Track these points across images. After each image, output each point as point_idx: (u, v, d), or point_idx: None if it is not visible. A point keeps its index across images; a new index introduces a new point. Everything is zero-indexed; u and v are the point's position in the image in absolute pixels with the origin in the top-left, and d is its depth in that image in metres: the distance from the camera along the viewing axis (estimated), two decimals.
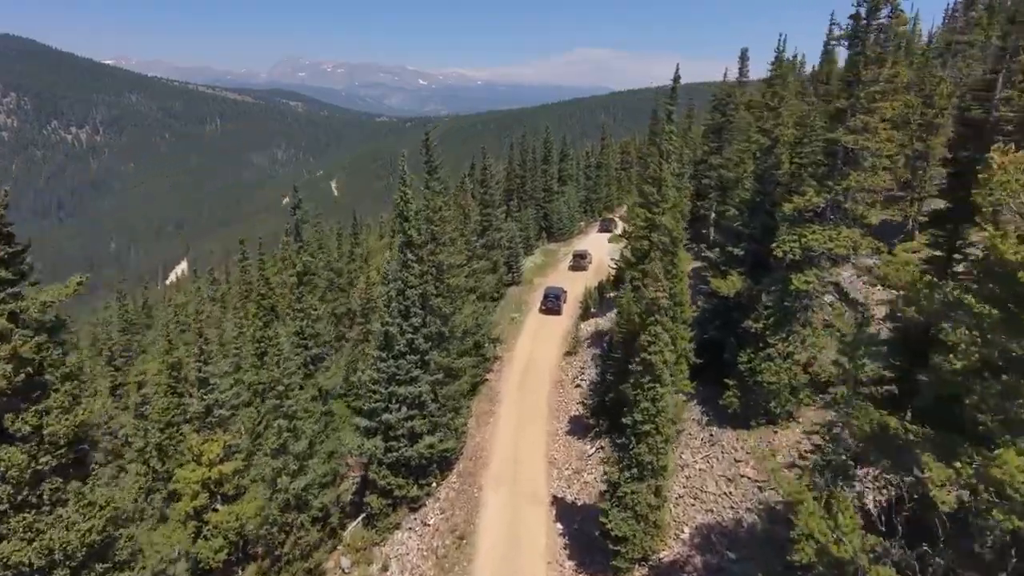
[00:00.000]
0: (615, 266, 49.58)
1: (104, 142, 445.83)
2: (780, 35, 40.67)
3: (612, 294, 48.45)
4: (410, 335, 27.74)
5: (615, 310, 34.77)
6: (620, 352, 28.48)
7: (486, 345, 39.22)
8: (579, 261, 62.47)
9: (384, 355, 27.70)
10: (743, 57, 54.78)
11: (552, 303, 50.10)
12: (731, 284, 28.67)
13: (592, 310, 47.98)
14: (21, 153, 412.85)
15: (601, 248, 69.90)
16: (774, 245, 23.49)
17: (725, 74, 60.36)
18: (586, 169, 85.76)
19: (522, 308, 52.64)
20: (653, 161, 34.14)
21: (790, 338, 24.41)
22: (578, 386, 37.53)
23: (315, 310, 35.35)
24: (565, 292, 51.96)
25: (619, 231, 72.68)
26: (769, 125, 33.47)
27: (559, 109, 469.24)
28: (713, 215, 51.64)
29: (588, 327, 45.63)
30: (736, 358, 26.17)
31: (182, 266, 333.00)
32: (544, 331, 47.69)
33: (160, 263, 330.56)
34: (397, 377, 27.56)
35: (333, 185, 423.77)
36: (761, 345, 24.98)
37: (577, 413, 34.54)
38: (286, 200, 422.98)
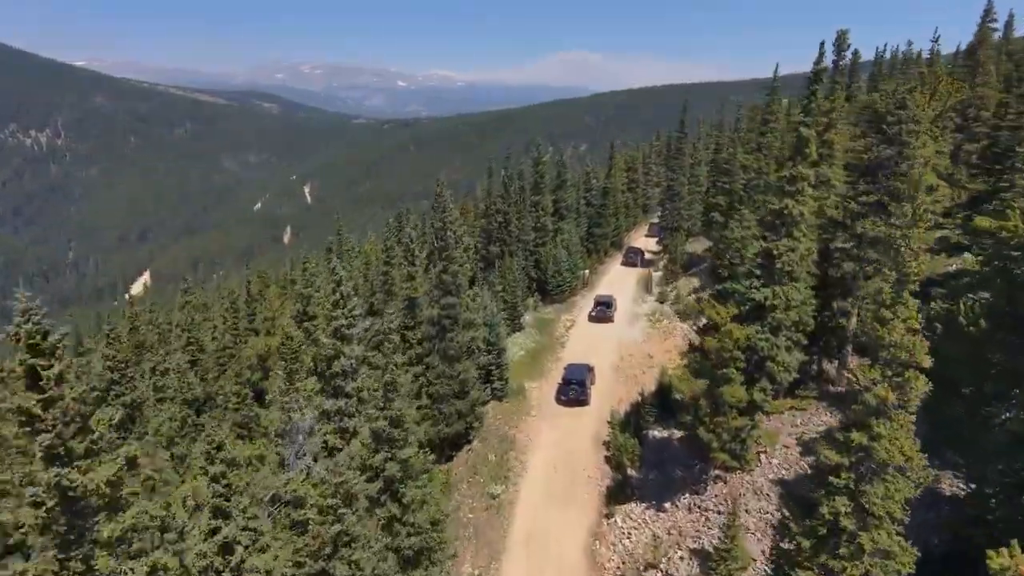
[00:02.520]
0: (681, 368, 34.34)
1: (66, 146, 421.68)
2: None
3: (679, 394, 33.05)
4: None
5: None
6: None
7: None
8: (603, 311, 51.21)
9: None
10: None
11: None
12: None
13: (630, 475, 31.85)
14: None
15: (624, 289, 55.21)
16: None
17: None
18: (586, 194, 69.95)
19: (507, 467, 33.09)
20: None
21: None
22: None
23: None
24: (588, 385, 38.67)
25: (655, 272, 57.60)
26: None
27: (542, 111, 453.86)
28: None
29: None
30: None
31: (144, 277, 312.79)
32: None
33: (120, 274, 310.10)
34: None
35: (307, 190, 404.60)
36: None
37: None
38: (258, 205, 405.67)
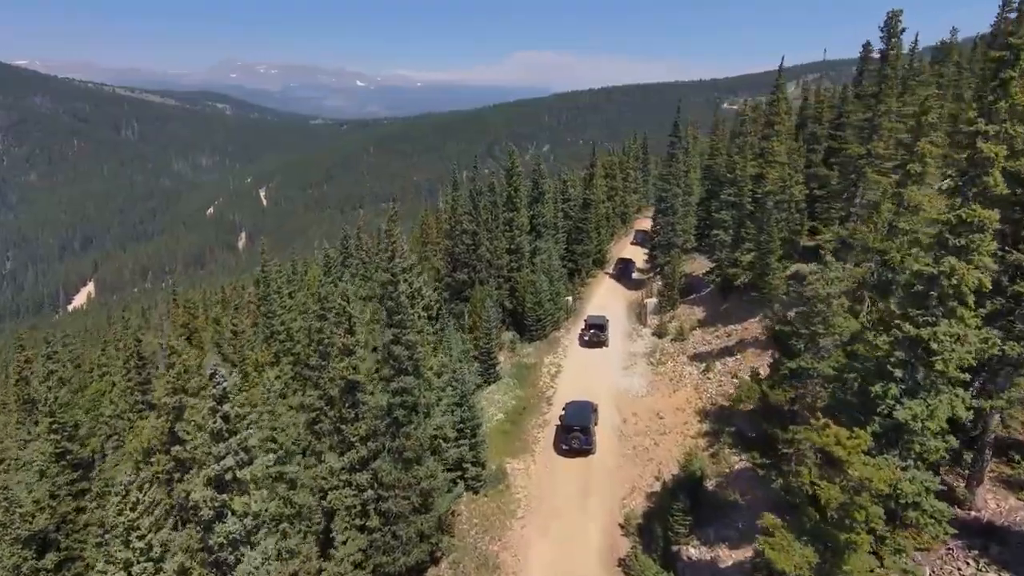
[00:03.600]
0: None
1: (2, 149, 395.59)
2: None
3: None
4: None
5: None
6: None
7: None
8: (597, 334, 45.36)
9: None
10: None
11: None
12: None
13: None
14: None
15: (616, 311, 47.28)
16: None
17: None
18: (564, 206, 60.67)
19: None
20: None
21: None
22: None
23: None
24: (592, 430, 32.39)
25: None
26: None
27: (503, 111, 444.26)
28: None
29: None
30: None
31: (88, 288, 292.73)
32: None
33: (62, 285, 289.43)
34: None
35: (262, 194, 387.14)
36: None
37: None
38: (211, 210, 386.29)
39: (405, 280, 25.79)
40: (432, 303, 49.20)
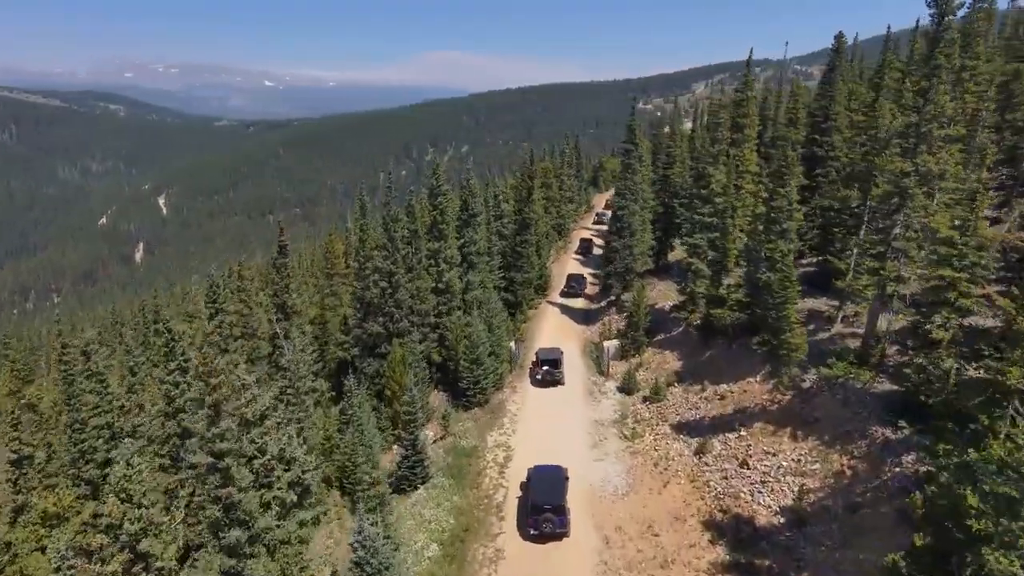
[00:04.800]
0: None
1: None
2: None
3: None
4: None
5: None
6: None
7: None
8: (551, 372, 38.53)
9: None
10: None
11: None
12: None
13: None
14: None
15: (568, 349, 38.25)
16: None
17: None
18: (497, 223, 50.09)
19: None
20: None
21: None
22: None
23: None
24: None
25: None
26: None
27: (420, 111, 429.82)
28: None
29: None
30: None
31: None
32: None
33: None
34: None
35: (162, 201, 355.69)
36: None
37: None
38: (103, 220, 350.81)
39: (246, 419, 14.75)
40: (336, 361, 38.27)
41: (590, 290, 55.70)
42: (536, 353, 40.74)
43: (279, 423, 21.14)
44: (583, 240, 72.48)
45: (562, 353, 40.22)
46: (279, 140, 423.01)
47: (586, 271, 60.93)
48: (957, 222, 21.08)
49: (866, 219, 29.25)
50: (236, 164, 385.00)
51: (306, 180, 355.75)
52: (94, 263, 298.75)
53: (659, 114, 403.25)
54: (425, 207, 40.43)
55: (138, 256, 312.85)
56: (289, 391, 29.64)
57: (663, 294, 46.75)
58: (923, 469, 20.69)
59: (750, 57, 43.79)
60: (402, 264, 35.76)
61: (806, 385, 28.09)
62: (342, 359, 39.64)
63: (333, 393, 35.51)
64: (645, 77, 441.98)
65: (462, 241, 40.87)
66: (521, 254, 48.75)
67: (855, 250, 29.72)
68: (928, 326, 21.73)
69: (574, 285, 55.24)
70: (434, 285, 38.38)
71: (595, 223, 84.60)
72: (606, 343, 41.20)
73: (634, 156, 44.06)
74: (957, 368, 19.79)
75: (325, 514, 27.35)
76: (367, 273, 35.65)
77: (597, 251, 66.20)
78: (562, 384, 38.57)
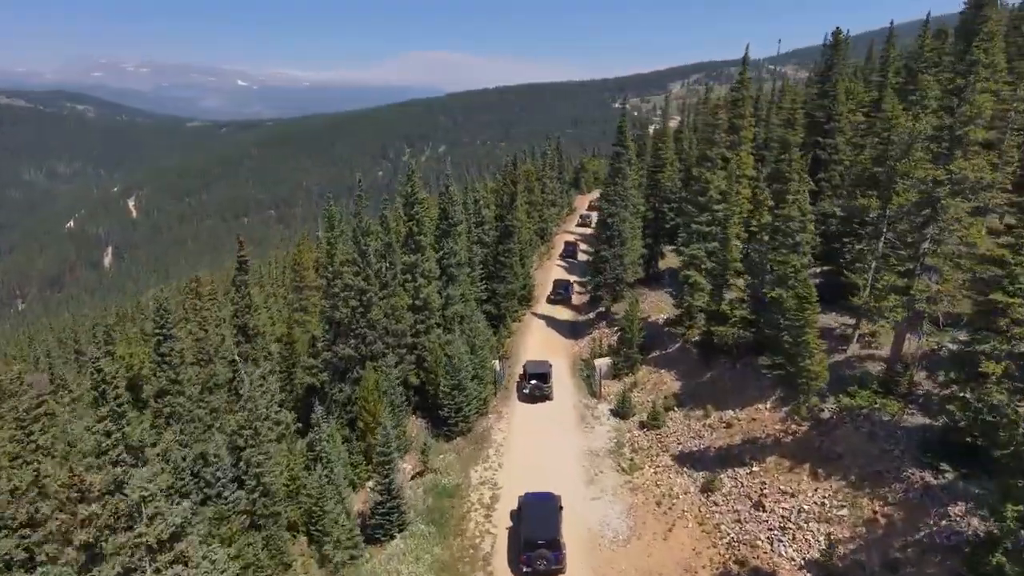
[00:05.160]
0: None
1: None
2: None
3: None
4: None
5: None
6: None
7: None
8: (539, 387, 36.18)
9: None
10: None
11: None
12: None
13: None
14: None
15: (557, 366, 35.34)
16: None
17: None
18: (478, 230, 46.73)
19: None
20: None
21: None
22: None
23: None
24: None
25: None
26: None
27: (396, 111, 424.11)
28: None
29: None
30: None
31: None
32: None
33: None
34: None
35: (131, 204, 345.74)
36: None
37: None
38: (71, 223, 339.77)
39: None
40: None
41: (577, 299, 52.79)
42: (524, 366, 38.39)
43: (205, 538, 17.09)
44: (567, 243, 69.74)
45: (550, 366, 37.72)
46: (253, 141, 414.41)
47: (572, 277, 58.23)
48: (1010, 239, 18.30)
49: (885, 230, 26.55)
50: (208, 165, 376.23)
51: (281, 181, 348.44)
52: (61, 268, 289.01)
53: (636, 114, 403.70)
54: (400, 217, 37.00)
55: (107, 261, 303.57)
56: (246, 431, 26.07)
57: (656, 306, 43.82)
58: (980, 526, 17.95)
59: (746, 55, 41.07)
60: (375, 281, 32.31)
61: (825, 415, 25.27)
62: (311, 384, 36.07)
63: (300, 425, 31.97)
64: (621, 77, 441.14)
65: (441, 253, 37.51)
66: (504, 264, 45.52)
67: (872, 263, 27.01)
68: (974, 354, 18.99)
69: (561, 292, 52.95)
70: (411, 302, 34.98)
71: (579, 225, 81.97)
72: (597, 361, 38.14)
73: (624, 159, 40.98)
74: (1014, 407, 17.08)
75: None
76: (336, 291, 32.13)
77: (582, 256, 63.46)
78: (550, 399, 36.19)
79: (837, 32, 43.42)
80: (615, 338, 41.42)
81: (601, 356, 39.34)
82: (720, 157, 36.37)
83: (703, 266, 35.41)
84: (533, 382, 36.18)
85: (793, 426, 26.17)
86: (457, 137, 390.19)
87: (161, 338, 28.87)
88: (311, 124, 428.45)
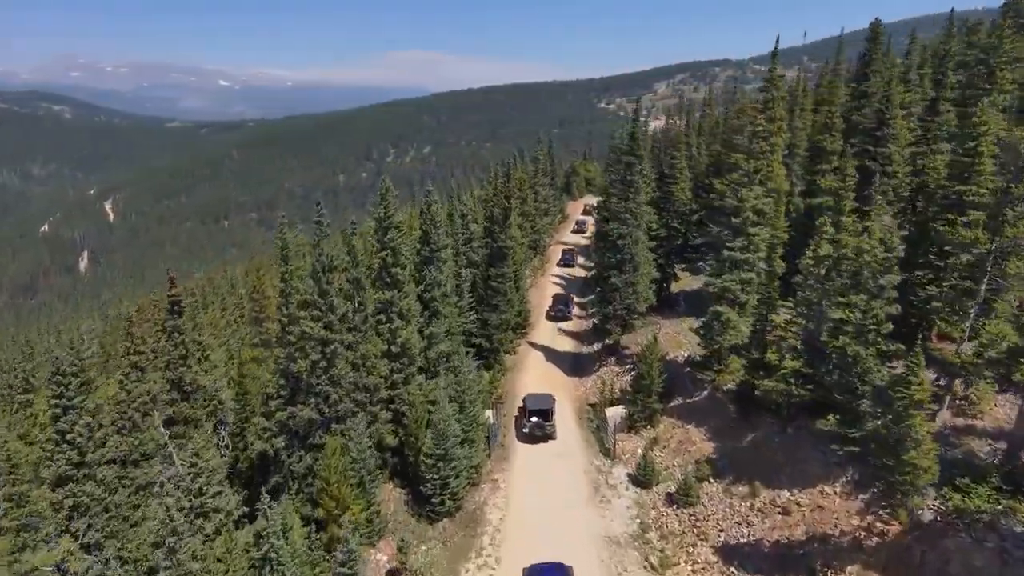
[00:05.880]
0: None
1: None
2: None
3: None
4: None
5: None
6: None
7: None
8: (540, 424, 31.66)
9: None
10: None
11: None
12: None
13: None
14: None
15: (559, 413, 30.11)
16: None
17: None
18: (465, 250, 40.32)
19: None
20: None
21: None
22: None
23: None
24: None
25: None
26: None
27: (380, 112, 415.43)
28: None
29: None
30: None
31: None
32: None
33: None
34: None
35: (108, 207, 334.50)
36: None
37: None
38: (45, 227, 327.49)
39: None
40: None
41: (577, 323, 46.80)
42: (523, 400, 33.82)
43: None
44: (565, 251, 65.60)
45: (553, 401, 32.98)
46: (234, 142, 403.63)
47: (572, 290, 53.06)
48: None
49: (989, 268, 20.59)
50: (189, 167, 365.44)
51: (263, 183, 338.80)
52: (35, 273, 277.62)
53: (621, 114, 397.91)
54: (371, 246, 30.47)
55: (83, 265, 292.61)
56: (167, 537, 19.57)
57: (673, 339, 37.65)
58: None
59: (776, 46, 34.99)
60: (340, 327, 25.81)
61: (926, 516, 19.23)
62: (263, 451, 29.47)
63: (246, 509, 25.38)
64: (607, 77, 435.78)
65: (423, 285, 31.11)
66: (496, 290, 39.14)
67: (973, 308, 21.04)
68: None
69: (561, 307, 48.40)
70: (386, 348, 28.54)
71: (574, 232, 76.32)
72: (609, 412, 31.89)
73: (636, 171, 34.73)
74: None
75: None
76: (293, 340, 25.61)
77: (580, 271, 57.60)
78: (554, 439, 31.70)
79: (876, 24, 37.57)
80: (627, 379, 35.30)
81: (613, 403, 33.13)
82: (761, 170, 30.28)
83: (737, 300, 29.37)
84: (534, 420, 31.68)
85: (879, 523, 20.13)
86: (442, 137, 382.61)
87: (59, 411, 22.26)
88: (294, 125, 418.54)
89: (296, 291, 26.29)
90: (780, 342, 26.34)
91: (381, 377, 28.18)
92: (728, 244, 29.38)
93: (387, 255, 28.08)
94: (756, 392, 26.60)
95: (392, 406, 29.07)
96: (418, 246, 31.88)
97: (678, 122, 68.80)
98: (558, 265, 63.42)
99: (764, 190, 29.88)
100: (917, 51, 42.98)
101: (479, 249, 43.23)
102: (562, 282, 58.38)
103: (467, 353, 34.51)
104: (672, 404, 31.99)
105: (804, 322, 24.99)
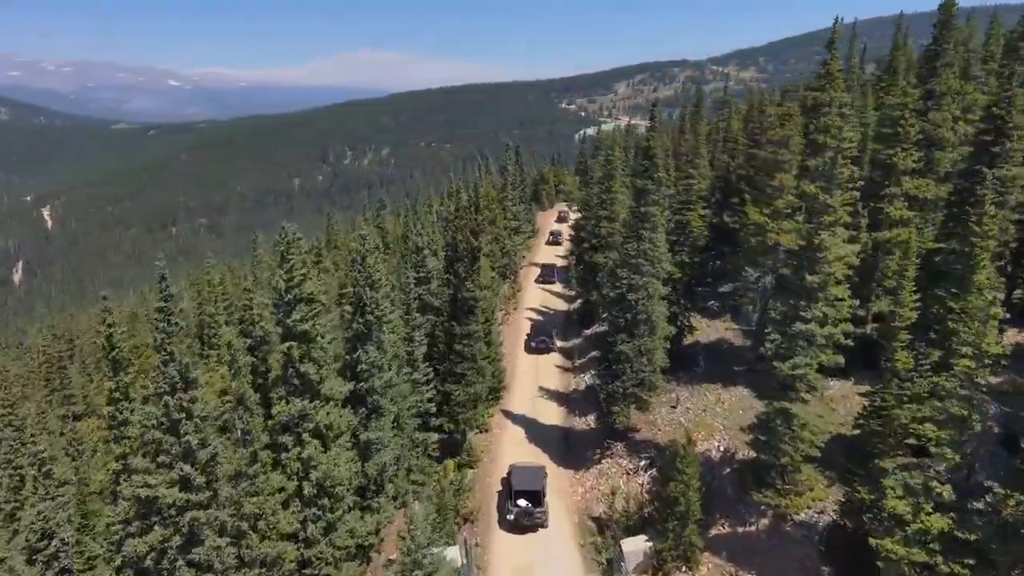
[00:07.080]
0: None
1: None
2: None
3: None
4: None
5: None
6: None
7: None
8: (529, 510, 24.63)
9: None
10: None
11: None
12: None
13: None
14: None
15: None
16: None
17: None
18: (422, 292, 29.94)
19: None
20: None
21: None
22: None
23: None
24: None
25: None
26: None
27: (338, 112, 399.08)
28: None
29: None
30: None
31: None
32: None
33: None
34: None
35: (46, 213, 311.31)
36: None
37: None
38: None
39: None
40: None
41: (563, 383, 37.17)
42: (508, 472, 26.72)
43: None
44: (544, 267, 57.90)
45: (545, 476, 26.43)
46: (184, 144, 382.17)
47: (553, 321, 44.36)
48: None
49: None
50: (134, 171, 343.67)
51: (213, 187, 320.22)
52: None
53: (583, 114, 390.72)
54: (272, 335, 20.01)
55: (17, 277, 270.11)
56: None
57: (698, 418, 28.09)
58: None
59: (834, 34, 25.67)
60: (201, 480, 15.41)
61: None
62: None
63: None
64: (568, 77, 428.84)
65: (355, 371, 20.86)
66: (462, 355, 29.01)
67: None
68: None
69: (544, 339, 42.80)
70: (296, 485, 18.25)
71: (549, 243, 67.22)
72: (626, 545, 22.19)
73: (652, 200, 24.99)
74: None
75: None
76: (129, 513, 15.14)
77: (559, 303, 48.32)
78: (545, 527, 24.91)
79: (950, 4, 28.82)
80: (643, 480, 25.71)
81: (630, 528, 23.40)
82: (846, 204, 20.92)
83: (809, 392, 19.99)
84: (521, 504, 25.08)
85: None
86: (401, 139, 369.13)
87: None
88: (246, 126, 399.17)
89: (136, 416, 15.82)
90: (903, 472, 16.93)
91: (286, 537, 17.88)
92: (801, 311, 19.92)
93: (296, 351, 17.72)
94: (869, 539, 17.21)
95: (306, 573, 18.82)
96: (350, 318, 21.58)
97: (685, 136, 57.62)
98: (536, 282, 55.79)
99: (847, 234, 20.59)
100: (992, 40, 34.18)
101: (440, 289, 33.00)
102: (542, 308, 48.95)
103: (423, 448, 24.51)
104: (715, 533, 22.44)
105: (949, 455, 15.64)
